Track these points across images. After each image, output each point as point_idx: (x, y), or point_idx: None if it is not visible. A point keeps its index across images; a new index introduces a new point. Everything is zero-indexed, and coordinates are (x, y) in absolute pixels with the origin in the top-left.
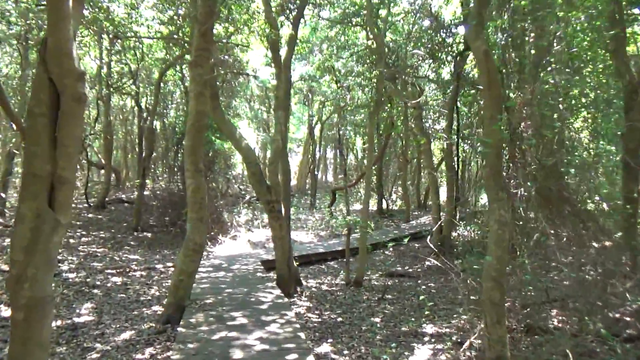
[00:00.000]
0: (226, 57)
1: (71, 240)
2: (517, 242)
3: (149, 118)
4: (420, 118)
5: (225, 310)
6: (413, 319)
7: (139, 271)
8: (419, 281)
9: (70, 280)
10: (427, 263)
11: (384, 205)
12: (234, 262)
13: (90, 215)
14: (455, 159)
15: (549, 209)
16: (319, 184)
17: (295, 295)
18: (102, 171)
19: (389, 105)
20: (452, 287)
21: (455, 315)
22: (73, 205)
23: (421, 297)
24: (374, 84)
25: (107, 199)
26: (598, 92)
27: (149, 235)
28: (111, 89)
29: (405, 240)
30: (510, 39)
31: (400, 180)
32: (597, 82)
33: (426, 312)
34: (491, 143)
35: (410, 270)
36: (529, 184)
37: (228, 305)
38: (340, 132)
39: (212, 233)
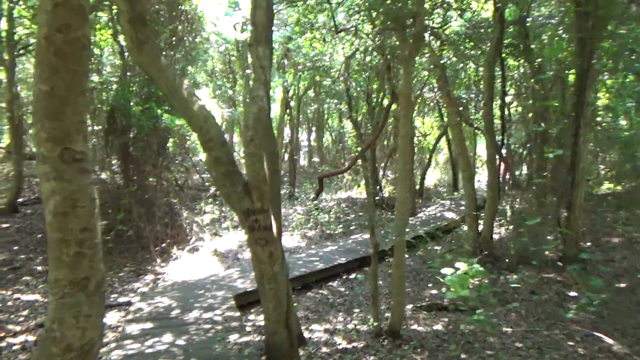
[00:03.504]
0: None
1: None
2: None
3: None
4: (446, 80)
5: None
6: None
7: (23, 334)
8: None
9: None
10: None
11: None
12: (191, 301)
13: None
14: (501, 132)
15: None
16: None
17: None
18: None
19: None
20: (556, 338)
21: None
22: None
23: None
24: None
25: (19, 199)
26: None
27: None
28: (17, 50)
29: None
30: None
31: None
32: None
33: None
34: None
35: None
36: None
37: None
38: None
39: (164, 245)
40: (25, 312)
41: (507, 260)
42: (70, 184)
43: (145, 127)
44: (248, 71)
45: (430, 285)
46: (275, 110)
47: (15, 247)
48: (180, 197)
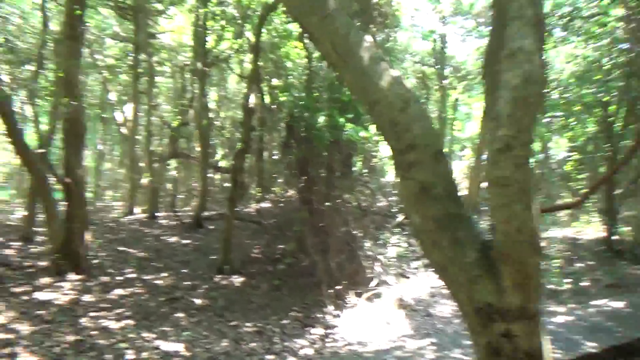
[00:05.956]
0: None
1: (86, 298)
2: None
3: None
4: None
5: None
6: None
7: None
8: None
9: None
10: None
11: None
12: None
13: (173, 238)
14: None
15: None
16: None
17: None
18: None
19: None
20: None
21: None
22: (165, 222)
23: None
24: None
25: (204, 213)
26: None
27: (238, 281)
28: (211, 58)
29: None
30: None
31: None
32: None
33: None
34: None
35: None
36: None
37: None
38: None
39: (338, 287)
40: None
41: None
42: None
43: (326, 140)
44: (445, 81)
45: None
46: (474, 129)
47: (185, 270)
48: (363, 226)
